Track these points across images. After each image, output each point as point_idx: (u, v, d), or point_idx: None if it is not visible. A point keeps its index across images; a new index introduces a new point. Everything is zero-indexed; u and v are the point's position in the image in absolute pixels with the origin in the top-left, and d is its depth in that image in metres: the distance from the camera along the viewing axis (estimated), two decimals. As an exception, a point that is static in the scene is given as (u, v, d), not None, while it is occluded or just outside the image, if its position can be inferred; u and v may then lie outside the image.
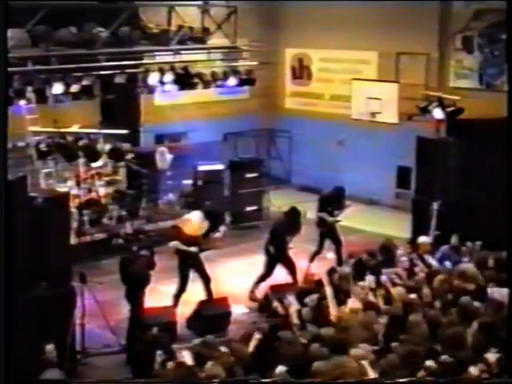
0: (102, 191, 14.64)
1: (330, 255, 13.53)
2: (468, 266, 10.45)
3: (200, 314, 11.25)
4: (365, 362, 7.51)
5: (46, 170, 13.96)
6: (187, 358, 8.13)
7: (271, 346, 8.42)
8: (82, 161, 14.08)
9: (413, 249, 12.10)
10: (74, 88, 12.54)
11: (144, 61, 14.38)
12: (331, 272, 11.01)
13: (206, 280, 11.70)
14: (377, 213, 17.09)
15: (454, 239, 11.97)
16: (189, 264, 11.55)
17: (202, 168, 16.17)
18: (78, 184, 14.16)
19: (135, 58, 13.71)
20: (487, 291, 9.38)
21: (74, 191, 13.89)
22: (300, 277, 12.44)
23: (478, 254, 11.48)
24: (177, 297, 11.53)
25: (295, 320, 9.34)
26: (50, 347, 8.81)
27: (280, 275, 12.40)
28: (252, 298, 12.25)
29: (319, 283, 10.45)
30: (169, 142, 17.53)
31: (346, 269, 11.22)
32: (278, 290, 11.37)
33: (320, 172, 17.96)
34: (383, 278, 10.25)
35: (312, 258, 13.38)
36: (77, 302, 10.06)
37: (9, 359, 6.43)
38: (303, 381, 7.55)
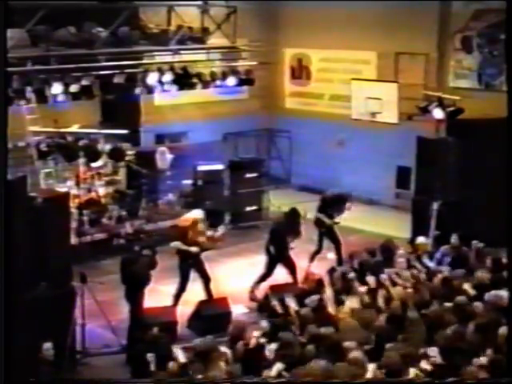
0: (102, 191, 14.65)
1: (330, 255, 13.53)
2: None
3: (200, 314, 11.26)
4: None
5: (46, 170, 13.96)
6: (180, 356, 8.16)
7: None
8: (81, 161, 14.09)
9: (412, 249, 12.11)
10: (74, 88, 12.54)
11: (143, 61, 14.38)
12: (331, 272, 11.02)
13: (206, 280, 11.70)
14: (377, 213, 17.08)
15: (453, 238, 11.98)
16: (189, 264, 11.56)
17: (201, 168, 16.18)
18: (77, 184, 14.17)
19: (134, 58, 13.70)
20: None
21: (74, 191, 13.90)
22: (300, 276, 12.43)
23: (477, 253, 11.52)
24: (177, 296, 11.53)
25: (294, 320, 9.35)
26: (47, 345, 8.82)
27: (280, 275, 12.40)
28: (252, 297, 12.25)
29: (319, 283, 10.46)
30: (169, 142, 17.54)
31: (346, 268, 11.24)
32: (278, 290, 11.37)
33: (320, 172, 17.97)
34: (383, 277, 10.25)
35: (312, 258, 13.38)
36: (77, 302, 10.07)
37: (9, 359, 6.43)
38: (303, 381, 7.55)
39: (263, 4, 19.05)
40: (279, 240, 12.31)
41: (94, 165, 14.35)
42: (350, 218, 13.78)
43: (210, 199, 15.44)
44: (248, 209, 16.40)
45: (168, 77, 13.79)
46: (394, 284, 10.18)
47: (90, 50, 12.41)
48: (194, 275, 11.66)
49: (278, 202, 16.35)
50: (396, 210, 16.86)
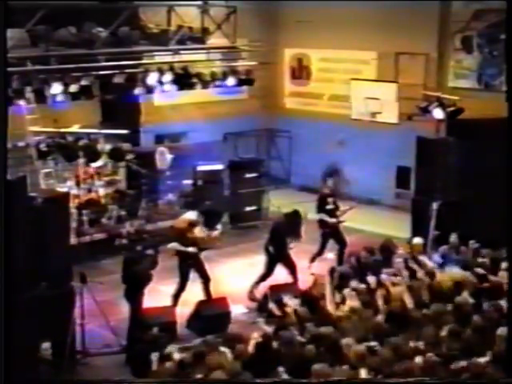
0: (102, 191, 14.66)
1: (330, 255, 13.54)
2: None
3: (199, 314, 11.26)
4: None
5: (46, 170, 13.96)
6: (175, 354, 8.17)
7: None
8: (81, 161, 14.09)
9: (408, 249, 12.11)
10: (73, 88, 12.53)
11: (143, 61, 14.37)
12: (331, 272, 11.01)
13: (206, 280, 11.71)
14: (377, 213, 17.08)
15: (453, 237, 11.99)
16: (189, 264, 11.56)
17: (201, 168, 16.18)
18: (77, 184, 14.18)
19: (134, 58, 13.70)
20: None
21: (74, 191, 13.91)
22: (301, 277, 12.42)
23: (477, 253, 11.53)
24: (176, 296, 11.54)
25: (294, 320, 9.35)
26: (45, 345, 8.82)
27: (280, 275, 12.40)
28: (251, 297, 12.25)
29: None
30: (169, 141, 17.54)
31: (346, 268, 11.24)
32: (277, 290, 11.38)
33: (320, 172, 17.96)
34: (383, 277, 10.25)
35: (313, 259, 13.39)
36: (76, 301, 10.07)
37: (9, 359, 6.43)
38: (303, 381, 7.55)
39: (263, 4, 19.06)
40: (279, 240, 12.30)
41: (93, 165, 14.35)
42: (350, 218, 13.78)
43: (209, 199, 15.46)
44: (248, 209, 16.41)
45: (168, 77, 13.78)
46: (394, 284, 10.19)
47: (89, 50, 12.39)
48: (193, 275, 11.66)
49: (277, 202, 16.34)
50: (396, 210, 16.86)
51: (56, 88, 12.26)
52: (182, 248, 11.47)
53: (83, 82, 12.66)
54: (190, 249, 11.50)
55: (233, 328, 11.03)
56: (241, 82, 15.36)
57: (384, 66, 17.65)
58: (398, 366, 7.47)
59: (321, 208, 13.37)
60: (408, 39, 16.83)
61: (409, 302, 9.66)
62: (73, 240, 12.53)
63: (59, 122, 13.81)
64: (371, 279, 10.22)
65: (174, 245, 11.51)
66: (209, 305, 11.50)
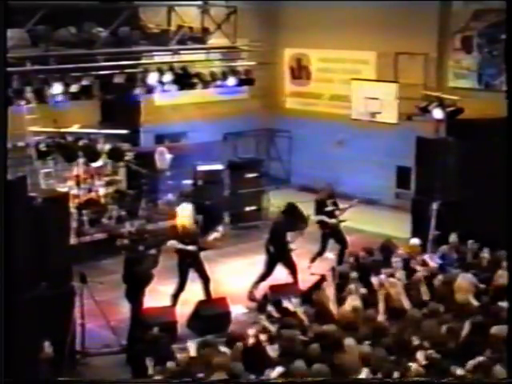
0: (102, 191, 14.66)
1: (330, 255, 13.54)
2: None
3: (199, 314, 11.26)
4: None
5: (46, 170, 13.96)
6: (192, 349, 8.17)
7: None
8: (81, 161, 14.09)
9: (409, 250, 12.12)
10: (73, 88, 12.53)
11: (143, 61, 14.37)
12: (332, 272, 11.02)
13: (206, 280, 11.70)
14: (377, 213, 17.07)
15: (453, 237, 11.99)
16: (188, 263, 11.56)
17: (201, 168, 16.18)
18: (77, 184, 14.17)
19: (134, 58, 13.69)
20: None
21: (74, 191, 13.90)
22: (300, 276, 12.42)
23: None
24: (175, 296, 11.53)
25: (293, 320, 9.35)
26: (46, 344, 8.82)
27: (280, 275, 12.40)
28: (251, 297, 12.25)
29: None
30: (169, 141, 17.54)
31: (346, 268, 11.24)
32: (277, 291, 11.38)
33: (320, 172, 17.95)
34: (381, 277, 10.26)
35: (313, 259, 13.39)
36: (77, 301, 10.07)
37: (9, 359, 6.44)
38: (303, 381, 7.55)
39: (263, 4, 19.06)
40: (279, 239, 12.30)
41: (93, 165, 14.35)
42: (350, 218, 13.78)
43: (209, 199, 15.45)
44: (248, 209, 16.41)
45: (168, 77, 13.76)
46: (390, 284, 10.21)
47: (89, 50, 12.39)
48: (193, 275, 11.66)
49: (277, 202, 16.30)
50: (396, 210, 16.86)
51: (56, 88, 12.25)
52: (181, 246, 11.46)
53: (83, 82, 12.66)
54: (190, 247, 11.50)
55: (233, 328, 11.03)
56: (241, 82, 15.34)
57: (383, 66, 17.65)
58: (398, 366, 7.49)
59: (319, 211, 13.37)
60: (408, 39, 16.82)
61: (406, 304, 9.69)
62: (73, 240, 12.52)
63: (59, 122, 13.78)
64: (374, 280, 10.22)
65: (172, 242, 11.50)
66: (209, 305, 11.50)
